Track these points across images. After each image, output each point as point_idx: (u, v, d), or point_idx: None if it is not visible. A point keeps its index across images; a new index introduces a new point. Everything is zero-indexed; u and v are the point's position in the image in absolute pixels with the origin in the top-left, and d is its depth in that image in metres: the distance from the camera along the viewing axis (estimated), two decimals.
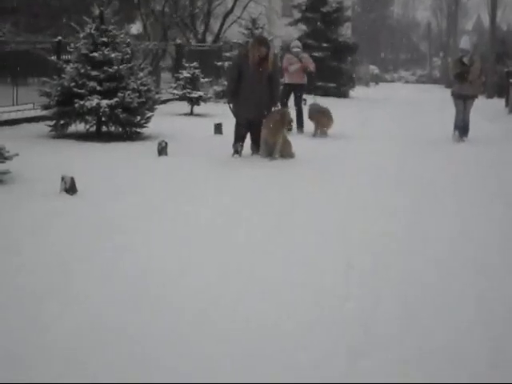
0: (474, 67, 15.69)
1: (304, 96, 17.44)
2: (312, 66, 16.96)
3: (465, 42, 16.10)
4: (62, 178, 8.75)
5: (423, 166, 12.32)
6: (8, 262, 5.98)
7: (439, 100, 30.97)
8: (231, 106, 12.60)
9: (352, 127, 17.99)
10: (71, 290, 5.34)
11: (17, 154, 9.66)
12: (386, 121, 21.04)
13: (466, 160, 13.14)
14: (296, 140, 13.30)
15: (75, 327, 4.64)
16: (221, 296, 5.31)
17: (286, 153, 12.34)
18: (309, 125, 16.10)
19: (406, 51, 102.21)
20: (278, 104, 12.79)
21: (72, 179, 8.75)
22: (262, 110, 12.30)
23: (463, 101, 15.85)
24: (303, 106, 16.80)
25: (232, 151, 12.37)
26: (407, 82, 78.44)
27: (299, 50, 17.06)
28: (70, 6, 29.55)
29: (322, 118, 15.87)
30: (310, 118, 15.92)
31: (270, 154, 12.14)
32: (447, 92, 17.09)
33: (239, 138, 12.46)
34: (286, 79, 16.84)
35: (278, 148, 12.19)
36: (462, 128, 15.96)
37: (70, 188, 8.72)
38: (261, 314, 4.96)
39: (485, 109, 23.37)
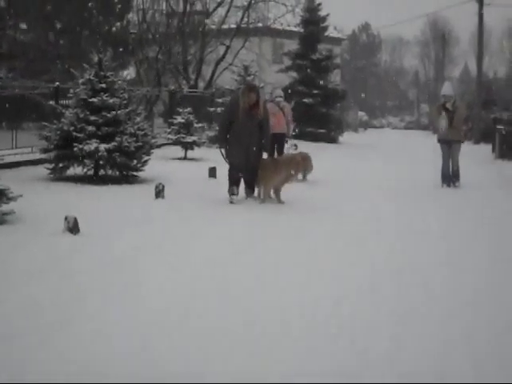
0: (458, 113, 15.87)
1: (294, 141, 17.94)
2: (290, 120, 17.44)
3: (447, 88, 16.27)
4: (66, 218, 9.11)
5: (410, 216, 11.91)
6: (22, 295, 6.32)
7: (427, 146, 31.33)
8: (222, 151, 12.84)
9: (339, 173, 18.36)
10: (82, 326, 5.69)
11: (21, 195, 10.04)
12: (374, 167, 21.23)
13: (456, 207, 13.13)
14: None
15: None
16: (223, 334, 5.67)
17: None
18: None
19: (393, 98, 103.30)
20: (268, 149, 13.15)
21: (75, 219, 9.12)
22: (253, 155, 12.52)
23: (448, 146, 15.92)
24: (295, 150, 17.25)
25: (228, 196, 12.56)
26: (395, 128, 79.21)
27: (281, 99, 17.40)
28: (65, 52, 30.17)
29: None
30: None
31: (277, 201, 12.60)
32: (434, 138, 17.05)
33: (233, 182, 12.65)
34: None
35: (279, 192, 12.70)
36: (452, 173, 15.91)
37: (73, 227, 9.08)
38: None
39: (472, 154, 23.74)
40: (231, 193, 12.56)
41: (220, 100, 27.20)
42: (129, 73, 31.39)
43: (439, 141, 16.19)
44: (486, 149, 30.42)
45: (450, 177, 15.99)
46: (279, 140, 16.84)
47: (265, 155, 13.13)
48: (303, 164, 15.64)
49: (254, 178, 12.75)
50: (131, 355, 5.00)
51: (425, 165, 20.76)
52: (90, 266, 7.49)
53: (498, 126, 27.79)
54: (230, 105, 13.09)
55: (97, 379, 4.58)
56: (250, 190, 12.85)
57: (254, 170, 12.64)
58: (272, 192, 12.82)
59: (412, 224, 11.08)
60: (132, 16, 34.51)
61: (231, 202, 12.39)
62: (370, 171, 19.61)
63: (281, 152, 16.88)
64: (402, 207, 12.90)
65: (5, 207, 9.71)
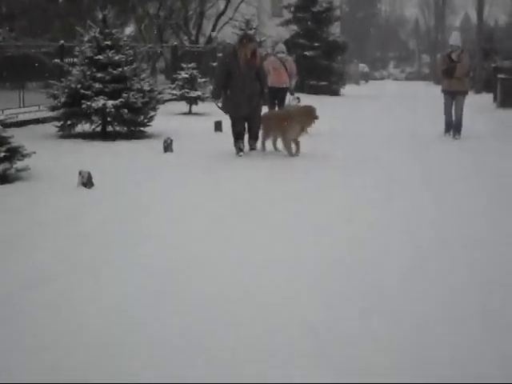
0: (461, 63, 15.65)
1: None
2: (294, 74, 17.11)
3: (455, 38, 16.01)
4: (80, 173, 9.39)
5: (415, 167, 11.97)
6: (42, 249, 6.62)
7: (428, 96, 31.45)
8: (219, 104, 12.83)
9: (341, 126, 18.41)
10: (102, 275, 6.00)
11: (34, 152, 10.32)
12: (376, 118, 21.37)
13: (457, 160, 12.89)
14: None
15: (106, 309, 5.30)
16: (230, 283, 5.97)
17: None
18: None
19: (394, 49, 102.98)
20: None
21: (89, 174, 9.39)
22: (254, 105, 12.60)
23: (452, 97, 15.80)
24: (298, 103, 17.34)
25: (235, 150, 12.66)
26: (396, 79, 79.15)
27: (283, 54, 17.05)
28: (65, 10, 30.20)
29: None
30: None
31: (295, 151, 12.63)
32: (436, 88, 16.93)
33: (238, 136, 12.73)
34: (269, 83, 16.17)
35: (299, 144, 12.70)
36: (454, 126, 15.79)
37: (88, 182, 9.36)
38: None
39: (474, 104, 23.57)
40: (238, 148, 12.67)
41: (221, 55, 27.27)
42: (131, 30, 31.44)
43: (443, 91, 16.05)
44: (487, 98, 30.52)
45: (453, 126, 15.89)
46: (281, 94, 16.73)
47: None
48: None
49: (258, 128, 12.86)
50: (148, 293, 5.30)
51: (427, 115, 20.83)
52: (107, 218, 7.79)
53: (499, 75, 27.86)
54: (225, 57, 12.99)
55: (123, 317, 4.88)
56: (254, 140, 12.99)
57: (257, 119, 12.78)
58: (277, 144, 13.04)
59: (412, 173, 11.29)
60: None
61: (239, 154, 12.56)
62: (372, 123, 19.70)
63: (281, 107, 16.69)
64: (403, 157, 12.99)
65: (19, 164, 9.99)
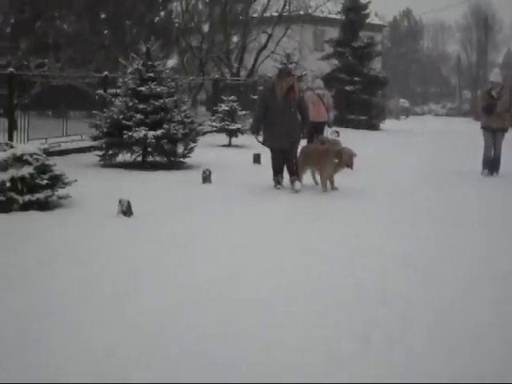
0: (502, 100, 15.59)
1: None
2: (331, 107, 17.14)
3: (495, 75, 16.01)
4: (120, 201, 9.56)
5: (447, 202, 12.02)
6: (77, 273, 6.77)
7: (468, 133, 31.20)
8: (258, 137, 12.81)
9: (380, 160, 18.46)
10: (137, 297, 6.13)
11: (75, 180, 10.52)
12: (414, 153, 21.36)
13: (492, 198, 12.83)
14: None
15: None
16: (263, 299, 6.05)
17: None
18: None
19: (435, 84, 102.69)
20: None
21: (128, 202, 9.57)
22: (294, 139, 12.57)
23: (492, 134, 15.68)
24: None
25: (274, 183, 12.71)
26: (437, 114, 78.88)
27: (321, 91, 17.08)
28: (109, 42, 30.78)
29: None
30: None
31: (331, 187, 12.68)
32: (476, 125, 16.72)
33: (278, 170, 12.75)
34: None
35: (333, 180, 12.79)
36: (492, 163, 15.65)
37: (127, 210, 9.53)
38: None
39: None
40: (276, 181, 12.71)
41: (261, 89, 27.55)
42: (174, 62, 31.87)
43: (482, 128, 15.96)
44: None
45: (491, 163, 15.71)
46: (319, 129, 16.71)
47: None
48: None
49: (296, 163, 12.67)
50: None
51: (465, 152, 20.71)
52: (145, 246, 7.94)
53: None
54: (264, 91, 13.11)
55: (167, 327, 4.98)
56: (294, 177, 12.61)
57: (294, 154, 12.73)
58: (316, 178, 13.13)
59: (448, 209, 11.27)
60: (175, 5, 35.04)
61: (277, 187, 12.61)
62: (410, 158, 19.64)
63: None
64: (440, 195, 12.78)
65: (61, 191, 10.19)
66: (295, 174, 12.62)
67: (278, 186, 12.65)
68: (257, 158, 16.22)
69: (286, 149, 12.57)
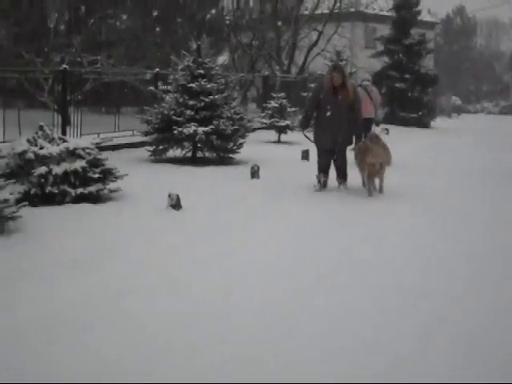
0: None
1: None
2: (379, 104, 17.18)
3: None
4: (169, 195, 9.76)
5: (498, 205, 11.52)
6: (128, 265, 6.97)
7: None
8: (307, 133, 12.40)
9: (428, 158, 18.32)
10: (189, 284, 6.31)
11: (126, 174, 10.75)
12: (463, 153, 20.91)
13: None
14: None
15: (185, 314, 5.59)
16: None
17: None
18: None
19: (488, 82, 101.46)
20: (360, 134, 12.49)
21: (177, 196, 9.76)
22: (342, 139, 12.05)
23: None
24: (386, 134, 17.49)
25: (316, 183, 12.18)
26: (490, 113, 77.89)
27: (368, 83, 17.14)
28: (161, 39, 31.13)
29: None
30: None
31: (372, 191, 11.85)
32: None
33: (322, 169, 12.24)
34: None
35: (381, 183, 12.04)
36: None
37: (176, 204, 9.72)
38: None
39: None
40: (318, 180, 12.18)
41: (313, 85, 27.60)
42: (224, 59, 32.09)
43: None
44: None
45: None
46: (366, 125, 16.19)
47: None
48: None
49: (345, 165, 12.28)
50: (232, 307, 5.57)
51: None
52: (193, 237, 8.16)
53: None
54: (316, 87, 12.77)
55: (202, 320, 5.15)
56: (341, 179, 12.29)
57: (343, 156, 12.26)
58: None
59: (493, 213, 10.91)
60: (226, 3, 35.30)
61: (316, 187, 12.09)
62: (457, 158, 19.19)
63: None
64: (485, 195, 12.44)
65: (112, 185, 10.42)
66: (342, 178, 12.30)
67: (318, 185, 12.13)
68: (305, 155, 16.30)
69: (332, 148, 12.16)
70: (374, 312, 5.76)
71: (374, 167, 11.68)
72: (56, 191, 9.76)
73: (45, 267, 6.68)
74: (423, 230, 9.19)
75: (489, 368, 4.72)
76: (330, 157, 12.25)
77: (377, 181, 12.05)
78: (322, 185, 12.14)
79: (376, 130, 17.56)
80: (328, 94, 11.89)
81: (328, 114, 11.91)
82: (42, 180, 9.71)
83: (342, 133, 11.96)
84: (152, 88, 17.71)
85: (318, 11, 35.02)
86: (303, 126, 12.59)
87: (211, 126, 14.85)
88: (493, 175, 15.32)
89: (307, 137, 12.49)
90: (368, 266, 7.20)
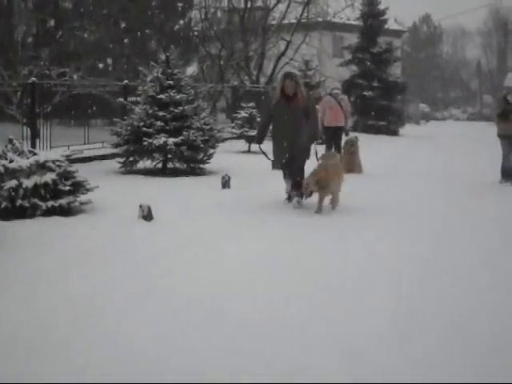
0: None
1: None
2: (349, 113, 17.25)
3: (510, 80, 15.39)
4: (140, 206, 9.77)
5: (462, 213, 11.34)
6: (98, 276, 6.99)
7: (489, 138, 30.48)
8: (262, 147, 11.73)
9: (396, 166, 18.45)
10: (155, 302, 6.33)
11: (97, 186, 10.75)
12: (431, 160, 21.10)
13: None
14: None
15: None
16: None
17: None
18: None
19: (456, 89, 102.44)
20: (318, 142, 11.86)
21: (149, 207, 9.77)
22: (298, 150, 11.19)
23: (508, 142, 14.78)
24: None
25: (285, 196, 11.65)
26: (457, 119, 78.64)
27: (338, 91, 17.19)
28: (129, 50, 31.12)
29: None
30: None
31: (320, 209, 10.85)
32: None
33: (293, 186, 11.40)
34: (325, 123, 16.41)
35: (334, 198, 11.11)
36: (509, 171, 14.75)
37: (148, 215, 9.74)
38: None
39: None
40: (288, 195, 11.60)
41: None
42: (193, 70, 32.15)
43: (499, 136, 14.99)
44: None
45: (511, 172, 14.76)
46: (337, 134, 16.68)
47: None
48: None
49: (302, 177, 11.16)
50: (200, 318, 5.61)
51: (485, 158, 20.32)
52: (165, 248, 8.18)
53: None
54: (270, 98, 12.19)
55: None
56: (297, 191, 11.24)
57: (299, 168, 11.32)
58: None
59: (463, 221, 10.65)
60: (194, 14, 35.36)
61: (285, 202, 11.55)
62: (425, 165, 19.23)
63: (338, 146, 16.64)
64: (453, 209, 11.84)
65: (83, 197, 10.42)
66: (298, 190, 11.23)
67: (287, 201, 11.55)
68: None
69: (287, 161, 11.28)
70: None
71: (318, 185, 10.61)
72: (27, 204, 9.73)
73: (15, 280, 6.68)
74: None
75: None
76: (291, 172, 11.40)
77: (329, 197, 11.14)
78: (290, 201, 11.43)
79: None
80: (280, 104, 11.18)
81: (282, 125, 11.17)
82: (13, 193, 9.68)
83: (298, 144, 11.13)
84: (121, 100, 17.72)
85: (286, 21, 35.13)
86: (259, 139, 11.91)
87: (181, 137, 14.89)
88: (461, 183, 15.42)
89: (264, 153, 11.71)
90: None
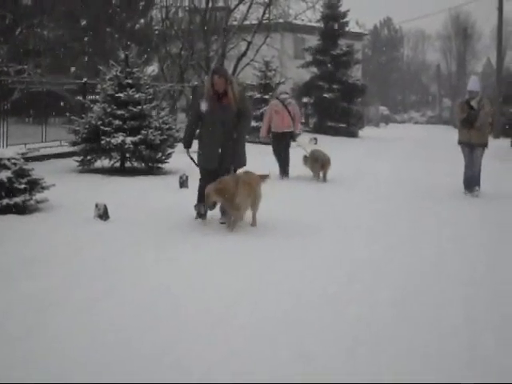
0: (483, 111, 13.69)
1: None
2: (298, 118, 16.41)
3: (473, 83, 13.97)
4: (96, 205, 9.73)
5: (423, 227, 10.36)
6: (52, 276, 6.94)
7: (448, 141, 30.19)
8: (189, 152, 10.13)
9: (354, 170, 17.97)
10: (113, 298, 6.32)
11: (53, 185, 10.71)
12: (390, 164, 20.48)
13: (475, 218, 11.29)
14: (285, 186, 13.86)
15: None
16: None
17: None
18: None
19: (415, 92, 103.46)
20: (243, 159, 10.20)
21: (105, 206, 9.73)
22: (227, 159, 9.90)
23: (470, 150, 13.81)
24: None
25: (195, 213, 10.14)
26: (417, 122, 79.48)
27: (286, 95, 16.42)
28: (90, 48, 30.96)
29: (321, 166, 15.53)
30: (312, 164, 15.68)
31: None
32: (456, 134, 14.61)
33: (202, 197, 9.76)
34: (272, 127, 16.00)
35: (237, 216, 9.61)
36: (472, 180, 13.72)
37: (103, 214, 9.70)
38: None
39: (492, 150, 18.08)
40: (198, 212, 10.10)
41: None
42: (153, 69, 32.02)
43: (460, 143, 14.04)
44: (505, 143, 30.47)
45: (473, 180, 13.75)
46: (284, 140, 15.86)
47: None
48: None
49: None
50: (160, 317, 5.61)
51: (446, 165, 19.38)
52: (119, 248, 8.13)
53: None
54: (196, 98, 10.68)
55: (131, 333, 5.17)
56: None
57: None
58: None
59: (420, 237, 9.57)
60: (155, 13, 35.25)
61: (197, 219, 10.08)
62: (385, 169, 18.77)
63: (286, 153, 15.78)
64: (415, 215, 11.39)
65: (39, 196, 10.38)
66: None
67: (199, 219, 10.07)
68: None
69: (215, 168, 9.85)
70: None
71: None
72: None
73: None
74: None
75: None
76: (213, 179, 9.64)
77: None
78: (203, 216, 10.02)
79: (302, 141, 17.34)
80: (210, 103, 9.84)
81: (211, 126, 9.87)
82: None
83: (227, 149, 9.86)
84: (80, 98, 17.62)
85: (247, 22, 35.13)
86: (186, 143, 10.21)
87: (139, 136, 14.86)
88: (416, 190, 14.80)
89: (192, 159, 10.19)
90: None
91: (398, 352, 5.13)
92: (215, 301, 6.20)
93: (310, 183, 15.05)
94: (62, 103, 20.40)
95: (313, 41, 38.83)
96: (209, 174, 9.85)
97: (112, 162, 15.54)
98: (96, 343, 5.12)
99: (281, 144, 15.82)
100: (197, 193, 10.12)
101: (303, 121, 17.09)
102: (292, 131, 16.09)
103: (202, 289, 6.57)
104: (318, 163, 15.54)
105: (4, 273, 6.89)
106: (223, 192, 9.20)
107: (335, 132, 33.93)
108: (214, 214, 9.96)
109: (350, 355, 5.05)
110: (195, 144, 10.07)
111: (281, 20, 37.26)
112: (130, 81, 15.40)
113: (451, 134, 29.35)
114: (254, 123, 20.03)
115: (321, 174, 15.51)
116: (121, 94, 15.16)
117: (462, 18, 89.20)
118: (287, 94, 16.83)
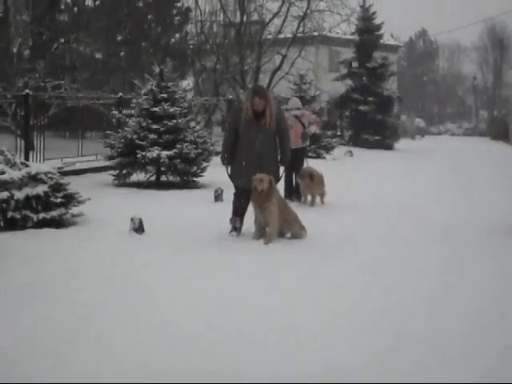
0: None
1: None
2: (313, 120, 14.72)
3: None
4: (132, 219, 9.77)
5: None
6: (89, 290, 6.97)
7: (488, 155, 29.04)
8: (229, 169, 10.09)
9: (383, 189, 16.64)
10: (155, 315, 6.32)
11: (89, 199, 10.78)
12: (421, 182, 18.56)
13: None
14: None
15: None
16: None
17: (293, 232, 9.92)
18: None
19: (451, 104, 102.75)
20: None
21: (140, 220, 9.77)
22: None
23: None
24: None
25: (230, 228, 10.02)
26: (453, 134, 78.81)
27: (298, 112, 14.53)
28: (125, 63, 31.23)
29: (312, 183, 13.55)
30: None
31: (261, 235, 9.70)
32: (495, 145, 12.99)
33: (237, 212, 10.05)
34: None
35: (272, 228, 9.58)
36: None
37: (139, 228, 9.73)
38: None
39: None
40: (233, 226, 10.02)
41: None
42: (188, 83, 32.19)
43: None
44: None
45: None
46: (298, 157, 13.49)
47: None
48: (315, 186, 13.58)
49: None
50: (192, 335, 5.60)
51: (490, 187, 17.41)
52: (154, 261, 8.15)
53: None
54: (234, 115, 10.26)
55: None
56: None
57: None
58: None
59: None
60: (190, 27, 35.49)
61: (231, 234, 9.94)
62: (417, 191, 16.55)
63: (299, 171, 13.74)
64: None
65: (75, 210, 10.43)
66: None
67: (233, 233, 9.93)
68: None
69: (248, 188, 9.69)
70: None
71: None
72: (18, 216, 9.72)
73: (6, 292, 6.68)
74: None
75: None
76: (248, 196, 9.82)
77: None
78: (238, 232, 9.95)
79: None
80: (248, 122, 9.74)
81: (248, 144, 9.78)
82: (4, 205, 9.66)
83: (263, 167, 9.68)
84: (115, 112, 17.75)
85: (282, 35, 35.22)
86: (226, 161, 10.09)
87: (174, 150, 14.92)
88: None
89: (230, 176, 10.17)
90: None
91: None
92: (250, 315, 6.18)
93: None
94: (97, 118, 20.58)
95: (348, 53, 38.85)
96: (242, 191, 9.92)
97: (147, 176, 15.62)
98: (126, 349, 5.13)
99: (293, 163, 12.72)
100: (231, 206, 10.16)
101: (327, 128, 15.42)
102: (304, 147, 14.38)
103: (238, 304, 6.55)
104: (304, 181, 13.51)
105: (43, 286, 6.93)
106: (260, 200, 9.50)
107: (370, 144, 33.89)
108: (248, 228, 9.95)
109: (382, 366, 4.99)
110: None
111: (315, 33, 37.31)
112: (164, 95, 15.47)
113: (489, 146, 27.91)
114: None
115: (309, 197, 13.54)
116: (156, 109, 15.24)
117: (498, 29, 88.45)
118: (299, 108, 14.73)
